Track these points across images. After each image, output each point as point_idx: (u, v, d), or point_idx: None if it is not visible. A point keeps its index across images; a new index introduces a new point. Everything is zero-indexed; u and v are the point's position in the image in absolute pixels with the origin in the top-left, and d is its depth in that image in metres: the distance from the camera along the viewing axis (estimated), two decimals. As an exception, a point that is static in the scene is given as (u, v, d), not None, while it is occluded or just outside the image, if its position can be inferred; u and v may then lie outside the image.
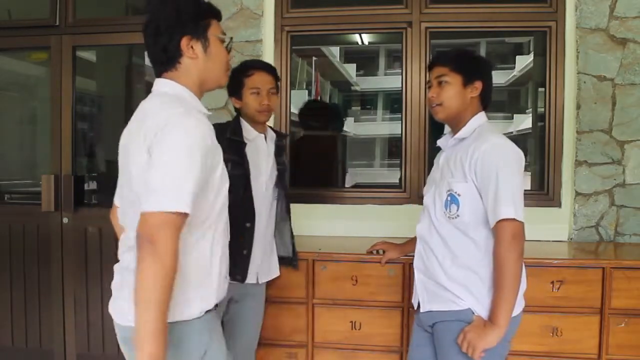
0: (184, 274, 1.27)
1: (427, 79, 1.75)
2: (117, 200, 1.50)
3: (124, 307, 1.29)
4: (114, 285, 1.39)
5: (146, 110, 1.33)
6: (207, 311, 1.36)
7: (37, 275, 3.18)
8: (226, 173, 1.39)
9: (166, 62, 1.35)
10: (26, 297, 3.20)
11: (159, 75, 1.39)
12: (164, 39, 1.33)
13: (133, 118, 1.37)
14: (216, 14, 1.41)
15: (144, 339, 1.14)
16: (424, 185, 1.90)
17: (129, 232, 1.32)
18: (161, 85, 1.37)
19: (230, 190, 1.91)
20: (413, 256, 1.83)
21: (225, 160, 1.89)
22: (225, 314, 2.05)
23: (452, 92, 1.67)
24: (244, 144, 2.01)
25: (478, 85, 1.67)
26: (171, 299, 1.20)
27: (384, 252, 2.24)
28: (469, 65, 1.68)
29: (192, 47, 1.34)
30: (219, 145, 1.35)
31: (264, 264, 2.13)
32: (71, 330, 3.16)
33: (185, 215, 1.19)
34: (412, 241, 2.13)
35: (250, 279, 2.04)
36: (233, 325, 2.11)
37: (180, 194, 1.18)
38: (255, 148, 2.05)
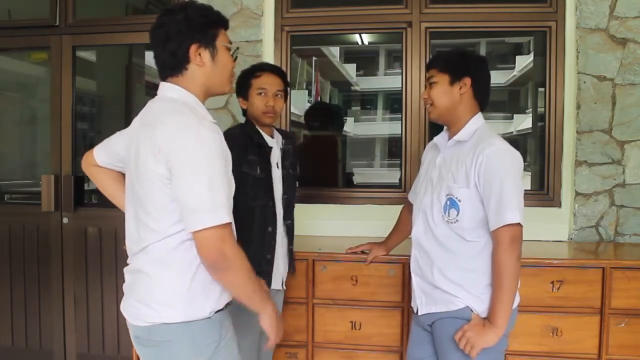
0: (193, 275, 1.31)
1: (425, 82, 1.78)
2: (98, 152, 1.57)
3: (136, 307, 1.35)
4: (126, 286, 1.42)
5: (154, 114, 1.34)
6: (217, 311, 1.36)
7: (37, 276, 3.19)
8: (232, 175, 1.41)
9: (173, 67, 1.37)
10: (26, 297, 3.20)
11: (164, 79, 1.40)
12: (172, 45, 1.34)
13: (139, 118, 1.40)
14: (224, 23, 1.43)
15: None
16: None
17: (142, 234, 1.34)
18: (167, 89, 1.38)
19: (256, 196, 1.90)
20: (407, 256, 1.82)
21: (253, 163, 1.87)
22: (253, 316, 2.04)
23: (440, 90, 1.69)
24: (270, 148, 1.97)
25: (466, 81, 1.67)
26: (180, 301, 1.30)
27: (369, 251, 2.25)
28: (456, 63, 1.70)
29: (199, 54, 1.36)
30: (229, 151, 1.38)
31: (285, 269, 2.12)
32: (71, 330, 3.16)
33: (230, 223, 1.28)
34: (393, 235, 2.16)
35: (276, 284, 2.03)
36: (259, 329, 2.11)
37: (218, 205, 1.25)
38: (272, 153, 2.01)
